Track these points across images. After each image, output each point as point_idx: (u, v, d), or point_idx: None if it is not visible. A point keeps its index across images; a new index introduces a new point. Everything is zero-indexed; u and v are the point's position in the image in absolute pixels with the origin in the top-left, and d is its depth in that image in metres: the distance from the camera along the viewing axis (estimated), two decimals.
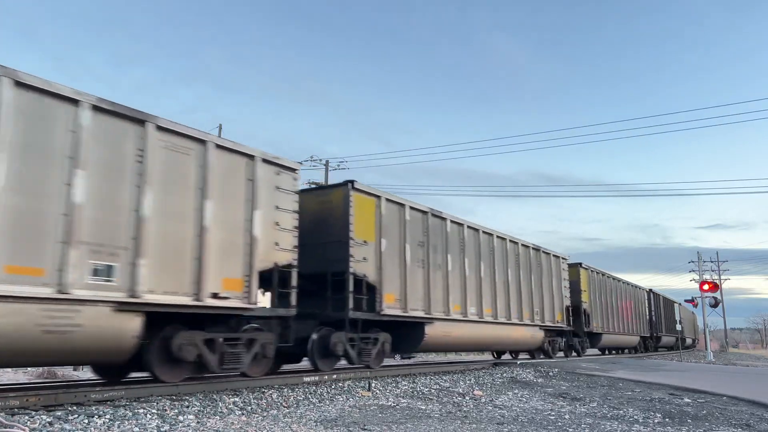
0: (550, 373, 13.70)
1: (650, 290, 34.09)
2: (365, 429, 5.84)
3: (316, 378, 9.87)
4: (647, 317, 32.84)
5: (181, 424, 5.68)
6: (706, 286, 31.85)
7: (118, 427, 5.41)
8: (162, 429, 5.43)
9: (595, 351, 29.11)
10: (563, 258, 20.37)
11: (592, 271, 24.14)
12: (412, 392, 9.15)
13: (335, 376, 10.21)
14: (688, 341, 46.16)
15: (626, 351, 31.79)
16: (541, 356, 19.19)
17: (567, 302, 20.14)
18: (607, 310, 25.41)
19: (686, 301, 34.97)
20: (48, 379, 12.52)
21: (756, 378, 15.28)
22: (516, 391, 10.15)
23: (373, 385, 9.45)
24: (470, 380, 11.45)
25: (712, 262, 61.72)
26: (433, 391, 9.46)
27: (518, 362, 16.55)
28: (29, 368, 14.67)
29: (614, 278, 27.12)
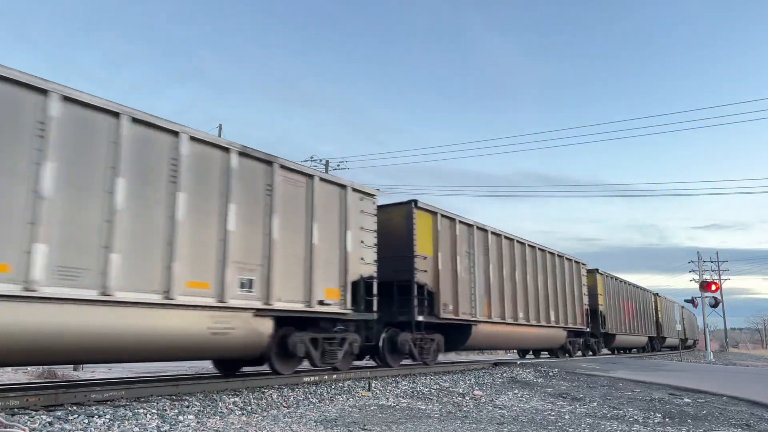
0: (550, 373, 13.70)
1: (583, 263, 22.43)
2: (365, 429, 5.84)
3: (316, 378, 9.87)
4: (583, 304, 21.67)
5: (181, 424, 5.68)
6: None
7: (118, 427, 5.40)
8: (162, 429, 5.43)
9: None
10: (365, 195, 11.38)
11: (440, 215, 13.43)
12: (412, 392, 9.15)
13: (335, 376, 10.22)
14: (671, 341, 39.06)
15: (534, 354, 23.30)
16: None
17: (368, 270, 11.01)
18: (476, 284, 14.46)
19: (686, 301, 35.05)
20: (48, 379, 12.52)
21: (756, 378, 15.28)
22: (516, 391, 10.15)
23: (373, 385, 9.44)
24: (470, 380, 11.45)
25: (711, 262, 61.77)
26: (433, 391, 9.46)
27: (518, 362, 16.55)
28: (29, 368, 14.68)
29: (495, 232, 15.80)
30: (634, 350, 32.89)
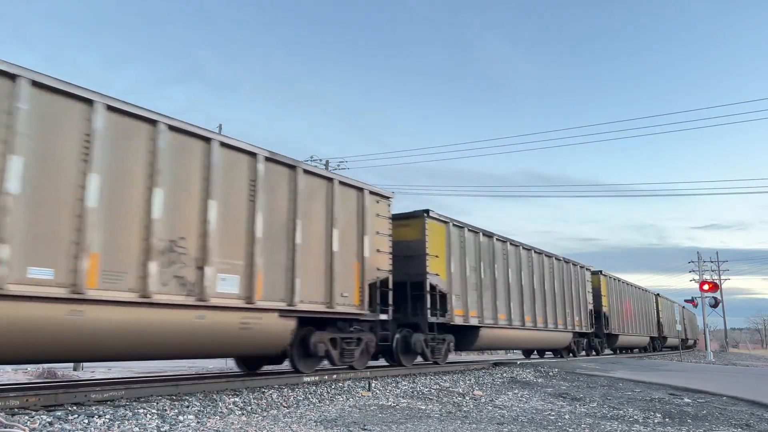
0: (550, 373, 13.70)
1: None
2: (365, 429, 5.84)
3: (316, 378, 9.87)
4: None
5: (181, 424, 5.68)
6: (706, 286, 32.04)
7: (118, 427, 5.40)
8: (162, 429, 5.43)
9: None
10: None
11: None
12: (412, 392, 9.15)
13: (335, 376, 10.22)
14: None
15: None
16: None
17: None
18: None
19: (686, 301, 35.12)
20: (48, 379, 12.52)
21: (756, 378, 15.28)
22: (516, 391, 10.15)
23: (373, 385, 9.44)
24: (470, 380, 11.45)
25: (711, 262, 61.76)
26: (433, 391, 9.45)
27: (518, 362, 16.55)
28: (29, 368, 14.67)
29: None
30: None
